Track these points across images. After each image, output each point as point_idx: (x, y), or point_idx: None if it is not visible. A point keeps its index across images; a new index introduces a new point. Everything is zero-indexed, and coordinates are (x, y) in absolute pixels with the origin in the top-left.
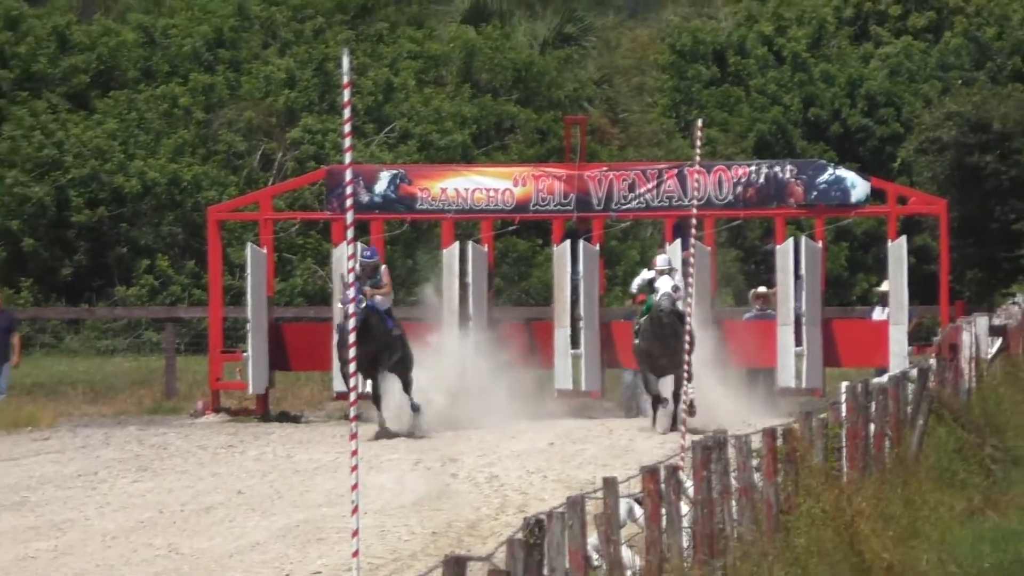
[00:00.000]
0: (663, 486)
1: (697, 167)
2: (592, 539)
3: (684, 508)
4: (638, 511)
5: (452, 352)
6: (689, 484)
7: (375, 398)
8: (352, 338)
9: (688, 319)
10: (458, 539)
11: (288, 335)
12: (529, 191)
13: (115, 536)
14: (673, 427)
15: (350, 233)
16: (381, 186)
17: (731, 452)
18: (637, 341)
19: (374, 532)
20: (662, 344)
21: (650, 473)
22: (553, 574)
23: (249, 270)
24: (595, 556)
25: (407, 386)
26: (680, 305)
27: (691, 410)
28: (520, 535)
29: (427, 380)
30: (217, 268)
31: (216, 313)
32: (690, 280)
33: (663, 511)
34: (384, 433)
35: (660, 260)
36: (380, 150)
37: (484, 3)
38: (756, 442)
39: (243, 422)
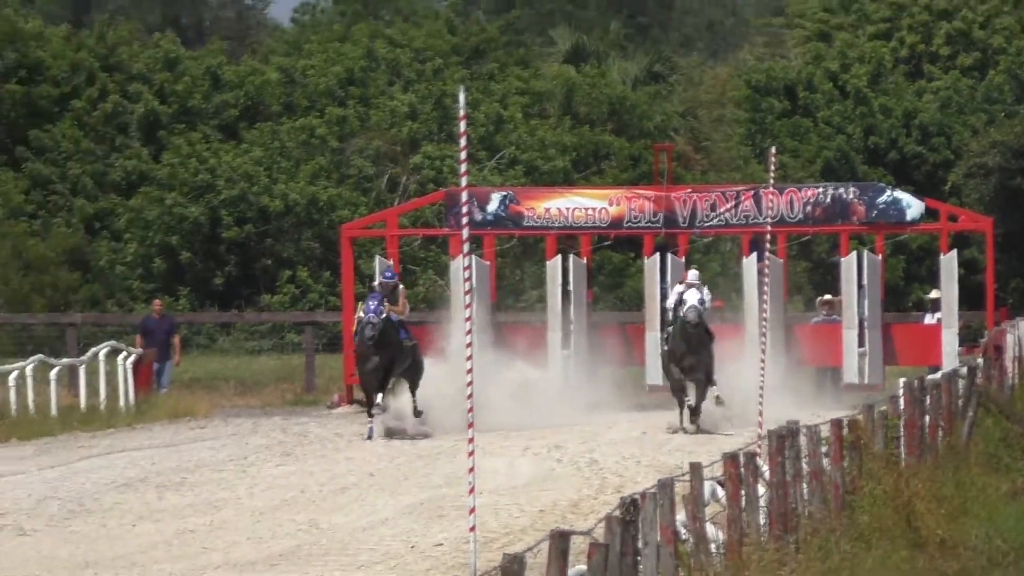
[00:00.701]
0: (742, 470)
1: (771, 189)
2: (680, 516)
3: (761, 490)
4: (720, 492)
5: (556, 352)
6: (765, 468)
7: (378, 402)
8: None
9: (713, 336)
10: (562, 516)
11: (414, 337)
12: (622, 210)
13: (263, 512)
14: (697, 428)
15: (466, 247)
16: (493, 206)
17: (803, 440)
18: (666, 347)
19: (489, 510)
20: (687, 349)
21: (731, 459)
22: (646, 547)
23: (378, 280)
24: (683, 531)
25: (414, 390)
26: (705, 315)
27: (694, 417)
28: (617, 513)
29: (534, 375)
30: (350, 278)
31: (349, 317)
32: (765, 288)
33: (742, 492)
34: (382, 431)
35: (691, 275)
36: (491, 174)
37: (582, 45)
38: (825, 431)
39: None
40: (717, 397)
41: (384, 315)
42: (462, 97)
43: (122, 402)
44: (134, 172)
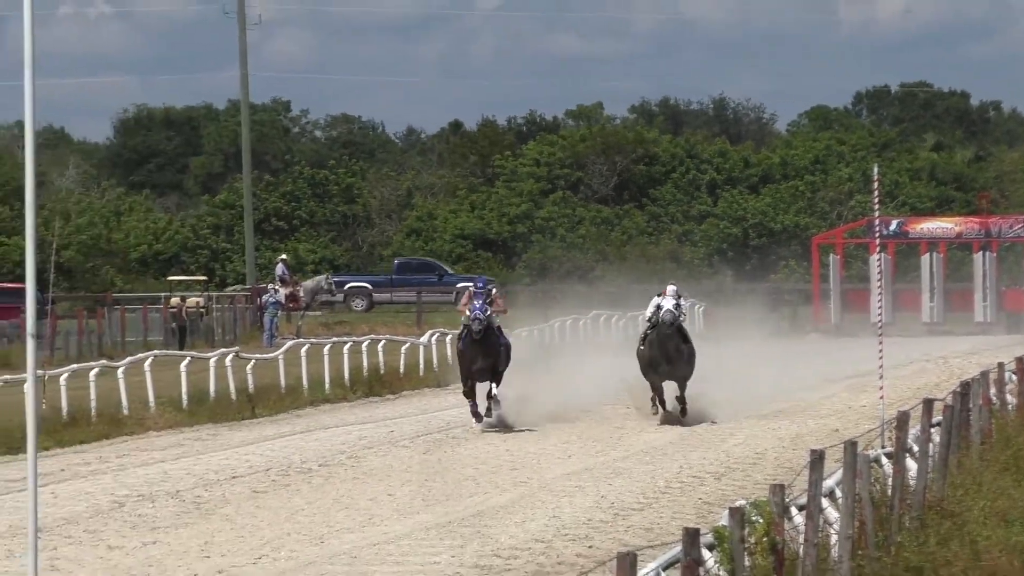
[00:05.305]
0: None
1: None
2: (992, 391)
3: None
4: (1015, 379)
5: (926, 304)
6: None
7: (474, 391)
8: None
9: (689, 340)
10: (930, 391)
11: (850, 298)
12: (962, 228)
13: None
14: (675, 422)
15: (878, 247)
16: (892, 226)
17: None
18: (641, 347)
19: (891, 387)
20: (662, 353)
21: (1019, 360)
22: (973, 408)
23: (832, 267)
24: (993, 398)
25: (499, 380)
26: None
27: (683, 411)
28: (958, 389)
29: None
30: (817, 266)
31: (817, 285)
32: None
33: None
34: (480, 417)
35: (670, 289)
36: (891, 211)
37: (940, 141)
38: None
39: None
40: (683, 409)
41: (488, 313)
42: (875, 170)
43: None
44: (703, 211)
